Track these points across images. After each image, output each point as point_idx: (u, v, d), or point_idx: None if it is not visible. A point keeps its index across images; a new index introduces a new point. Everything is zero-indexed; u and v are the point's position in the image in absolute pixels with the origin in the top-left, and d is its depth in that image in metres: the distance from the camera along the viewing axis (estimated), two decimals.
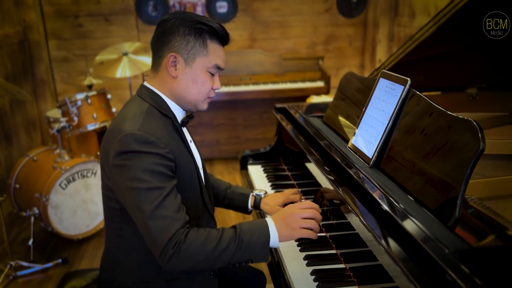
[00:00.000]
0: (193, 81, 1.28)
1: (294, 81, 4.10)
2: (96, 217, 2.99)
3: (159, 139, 1.20)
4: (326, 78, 4.07)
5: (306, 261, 1.33)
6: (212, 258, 1.17)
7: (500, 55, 1.99)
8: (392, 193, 1.16)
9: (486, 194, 1.32)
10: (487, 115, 1.95)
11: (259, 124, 4.44)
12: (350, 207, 1.22)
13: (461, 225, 0.99)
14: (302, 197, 1.66)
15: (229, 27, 4.32)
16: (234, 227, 1.23)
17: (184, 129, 1.39)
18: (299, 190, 1.81)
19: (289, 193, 1.64)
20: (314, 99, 3.75)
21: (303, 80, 4.13)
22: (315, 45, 4.53)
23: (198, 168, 1.38)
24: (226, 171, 4.20)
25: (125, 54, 3.19)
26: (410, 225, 1.01)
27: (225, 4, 4.27)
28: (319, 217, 1.28)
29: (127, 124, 1.21)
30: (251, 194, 1.63)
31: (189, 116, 1.39)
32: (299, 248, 1.40)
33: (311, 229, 1.25)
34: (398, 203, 1.10)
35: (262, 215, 1.63)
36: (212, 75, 1.31)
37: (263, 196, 1.63)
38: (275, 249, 1.39)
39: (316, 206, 1.30)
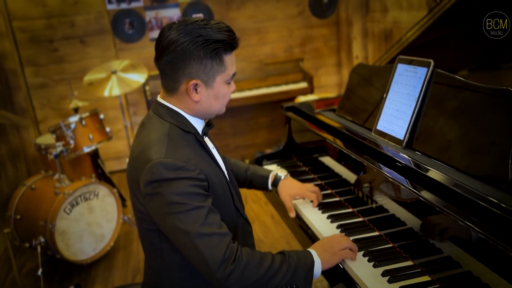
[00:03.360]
0: (215, 98, 1.27)
1: (278, 85, 4.18)
2: (102, 240, 2.93)
3: (188, 162, 1.18)
4: (308, 78, 4.17)
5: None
6: (267, 277, 1.17)
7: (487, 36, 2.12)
8: (437, 168, 1.23)
9: None
10: None
11: (247, 130, 4.48)
12: (415, 191, 1.27)
13: None
14: (319, 198, 1.68)
15: None
16: (281, 252, 1.25)
17: (206, 138, 1.38)
18: (323, 183, 1.86)
19: (307, 188, 1.67)
20: (302, 99, 3.83)
21: (287, 83, 4.21)
22: (292, 48, 4.63)
23: (226, 177, 1.38)
24: None
25: (114, 72, 3.16)
26: (470, 193, 1.08)
27: (201, 16, 4.31)
28: (355, 245, 1.32)
29: (153, 152, 1.18)
30: (271, 173, 1.69)
31: (208, 125, 1.37)
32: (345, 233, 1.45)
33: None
34: (448, 176, 1.17)
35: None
36: (229, 84, 1.30)
37: (283, 177, 1.70)
38: None
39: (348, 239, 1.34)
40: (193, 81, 1.22)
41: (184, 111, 1.29)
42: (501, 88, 1.13)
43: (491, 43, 2.19)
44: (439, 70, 1.36)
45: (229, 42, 1.21)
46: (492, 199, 1.01)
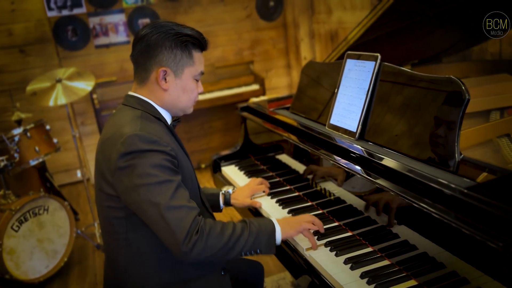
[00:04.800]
0: (183, 90, 1.34)
1: (230, 88, 4.19)
2: (55, 256, 2.79)
3: (161, 139, 1.24)
4: (259, 80, 4.21)
5: (316, 236, 1.40)
6: (230, 244, 1.22)
7: (427, 33, 2.25)
8: (390, 156, 1.28)
9: None
10: None
11: (202, 135, 4.45)
12: (371, 179, 1.32)
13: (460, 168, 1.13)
14: (268, 185, 1.77)
15: None
16: (243, 220, 1.30)
17: None
18: (282, 179, 1.88)
19: (254, 184, 1.75)
20: (255, 101, 3.86)
21: (239, 86, 4.22)
22: (242, 51, 4.66)
23: (193, 168, 1.43)
24: None
25: (59, 81, 3.04)
26: (423, 177, 1.13)
27: (147, 21, 4.23)
28: (319, 222, 1.38)
29: (127, 128, 1.24)
30: (221, 192, 1.70)
31: (176, 120, 1.45)
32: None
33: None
34: (401, 162, 1.22)
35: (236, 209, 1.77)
36: (197, 81, 1.37)
37: (231, 192, 1.72)
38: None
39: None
40: (163, 69, 1.29)
41: (153, 102, 1.34)
42: (444, 76, 1.19)
43: (432, 39, 2.32)
44: (386, 63, 1.42)
45: (199, 39, 1.32)
46: (443, 181, 1.07)
